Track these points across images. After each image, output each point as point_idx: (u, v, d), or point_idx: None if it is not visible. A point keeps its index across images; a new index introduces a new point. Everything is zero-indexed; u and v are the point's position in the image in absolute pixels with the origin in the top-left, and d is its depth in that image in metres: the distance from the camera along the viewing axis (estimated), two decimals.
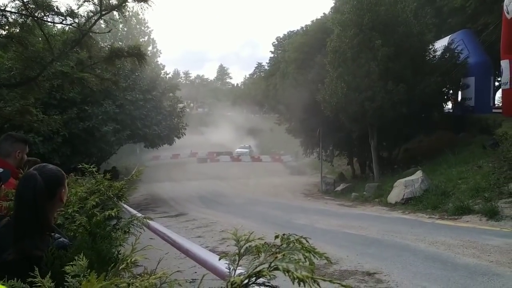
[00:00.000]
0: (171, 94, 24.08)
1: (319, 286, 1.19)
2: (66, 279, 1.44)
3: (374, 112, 14.89)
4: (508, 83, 15.80)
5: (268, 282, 1.25)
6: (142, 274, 1.51)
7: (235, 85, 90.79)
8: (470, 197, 10.05)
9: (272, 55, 67.45)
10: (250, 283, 1.24)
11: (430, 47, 16.35)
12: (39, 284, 1.40)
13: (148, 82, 20.45)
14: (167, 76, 36.57)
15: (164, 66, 48.77)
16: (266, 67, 74.83)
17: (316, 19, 26.26)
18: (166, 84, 24.04)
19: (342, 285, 1.26)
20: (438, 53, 16.67)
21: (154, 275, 1.46)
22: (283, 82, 23.63)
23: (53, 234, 1.72)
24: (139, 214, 3.35)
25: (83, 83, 8.26)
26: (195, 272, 4.83)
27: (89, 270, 1.47)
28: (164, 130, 20.59)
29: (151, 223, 3.82)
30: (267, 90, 52.16)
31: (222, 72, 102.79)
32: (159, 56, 51.76)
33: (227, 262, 1.40)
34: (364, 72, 15.08)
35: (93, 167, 3.70)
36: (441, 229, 8.32)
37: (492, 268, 5.38)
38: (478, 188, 10.26)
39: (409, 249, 6.75)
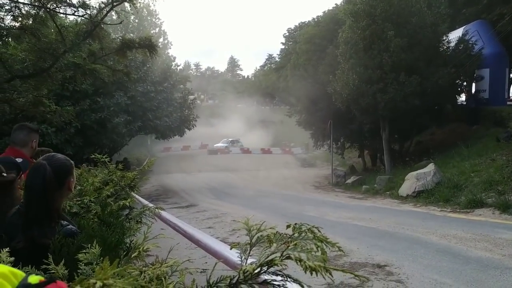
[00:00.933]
0: (182, 85, 24.15)
1: (331, 276, 1.18)
2: (79, 266, 1.46)
3: (386, 104, 14.73)
4: None
5: (280, 271, 1.25)
6: (154, 263, 1.52)
7: (246, 77, 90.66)
8: (483, 190, 9.93)
9: (283, 47, 67.08)
10: (262, 271, 1.24)
11: (444, 38, 16.07)
12: (53, 271, 1.42)
13: (159, 74, 20.53)
14: (178, 68, 36.68)
15: (175, 58, 48.98)
16: (277, 59, 74.49)
17: (328, 10, 25.96)
18: (177, 76, 24.10)
19: (355, 275, 1.26)
20: (452, 44, 16.36)
21: (165, 263, 1.47)
22: (294, 74, 23.45)
23: (62, 221, 1.75)
24: (150, 205, 3.38)
25: (95, 74, 8.32)
26: (206, 262, 4.87)
27: (101, 258, 1.49)
28: (175, 122, 20.70)
29: (162, 213, 3.86)
30: (278, 82, 51.92)
31: (233, 63, 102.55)
32: (170, 48, 51.88)
33: (238, 251, 1.40)
34: (376, 64, 14.90)
35: (106, 158, 3.75)
36: (453, 222, 8.25)
37: (504, 262, 5.33)
38: (491, 181, 10.13)
39: (420, 242, 6.71)
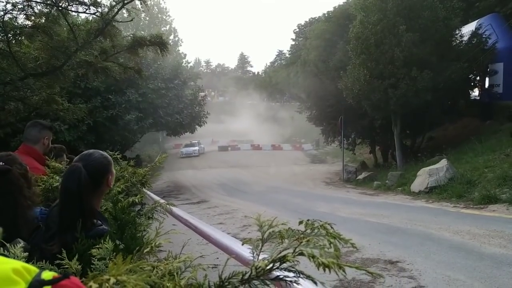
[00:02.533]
0: (192, 82, 24.22)
1: (345, 273, 1.17)
2: (92, 261, 1.48)
3: (398, 99, 14.58)
4: None
5: (293, 267, 1.25)
6: (166, 258, 1.53)
7: (256, 73, 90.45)
8: (497, 186, 9.78)
9: (293, 43, 66.84)
10: (274, 267, 1.24)
11: (457, 32, 15.82)
12: (66, 266, 1.43)
13: (170, 71, 20.61)
14: (189, 65, 36.78)
15: (185, 55, 49.03)
16: (287, 55, 74.26)
17: (339, 5, 25.71)
18: (188, 73, 24.15)
19: (369, 272, 1.25)
20: (465, 38, 16.11)
21: (178, 259, 1.47)
22: (304, 70, 23.33)
23: (95, 221, 1.71)
24: (162, 201, 3.40)
25: (106, 72, 8.36)
26: (217, 258, 4.89)
27: (114, 253, 1.50)
28: (186, 119, 20.78)
29: (174, 209, 3.87)
30: (288, 78, 51.73)
31: (243, 60, 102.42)
32: (181, 45, 52.18)
33: (250, 247, 1.40)
34: (388, 59, 14.75)
35: (117, 154, 3.78)
36: (466, 218, 8.15)
37: None
38: (505, 176, 9.97)
39: (432, 238, 6.64)
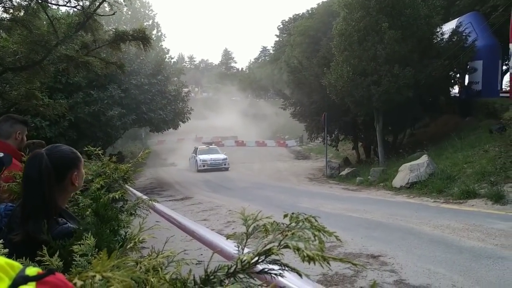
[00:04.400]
0: (176, 78, 23.99)
1: (329, 265, 1.19)
2: (74, 258, 1.45)
3: (380, 96, 14.76)
4: None
5: (278, 260, 1.25)
6: (150, 253, 1.52)
7: (240, 69, 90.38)
8: (475, 181, 10.02)
9: (277, 39, 66.98)
10: (259, 261, 1.24)
11: (438, 30, 16.09)
12: (47, 263, 1.41)
13: (153, 67, 20.36)
14: (172, 60, 36.37)
15: (168, 50, 48.48)
16: (271, 51, 74.38)
17: (322, 2, 25.89)
18: (171, 69, 23.92)
19: (353, 264, 1.26)
20: (446, 36, 16.40)
21: (161, 254, 1.46)
22: (288, 66, 23.39)
23: (59, 219, 1.65)
24: (144, 197, 3.37)
25: (88, 67, 8.23)
26: (201, 254, 4.88)
27: (96, 249, 1.48)
28: (169, 115, 20.58)
29: (157, 205, 3.85)
30: (272, 74, 51.85)
31: (227, 56, 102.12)
32: (164, 40, 51.42)
33: (234, 242, 1.40)
34: (370, 56, 14.91)
35: (99, 150, 3.73)
36: (446, 213, 8.33)
37: (497, 252, 5.40)
38: (484, 172, 10.22)
39: (414, 232, 6.77)
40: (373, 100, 15.09)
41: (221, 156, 25.10)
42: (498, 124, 13.03)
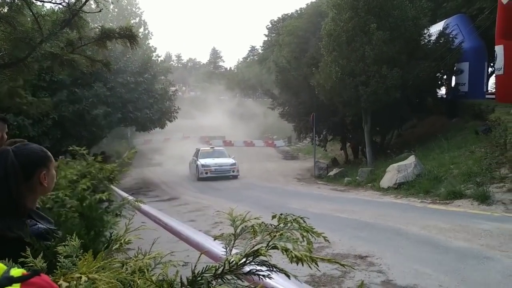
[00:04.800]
0: (163, 77, 23.81)
1: (317, 265, 1.16)
2: (58, 259, 1.41)
3: (368, 96, 14.87)
4: (502, 69, 15.86)
5: (266, 261, 1.22)
6: (136, 255, 1.48)
7: (228, 68, 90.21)
8: (462, 182, 10.13)
9: (266, 39, 67.07)
10: (247, 262, 1.21)
11: (425, 31, 16.28)
12: (31, 264, 1.36)
13: (140, 65, 20.18)
14: (159, 59, 36.01)
15: (155, 48, 47.94)
16: (260, 51, 74.41)
17: (311, 2, 25.99)
18: (158, 67, 23.73)
19: (341, 264, 1.24)
20: (433, 37, 16.61)
21: (148, 255, 1.43)
22: (277, 66, 23.40)
23: (28, 220, 1.58)
24: (130, 198, 3.31)
25: (73, 64, 8.09)
26: (188, 256, 4.82)
27: (82, 250, 1.44)
28: (156, 114, 20.41)
29: (143, 206, 3.79)
30: (261, 74, 51.84)
31: (215, 55, 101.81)
32: (151, 38, 50.89)
33: (222, 243, 1.37)
34: (359, 56, 15.00)
35: (84, 149, 3.65)
36: (433, 213, 8.41)
37: (482, 252, 5.46)
38: (470, 173, 10.34)
39: (401, 233, 6.81)
40: (361, 100, 15.19)
41: (228, 160, 20.39)
42: (484, 126, 13.21)
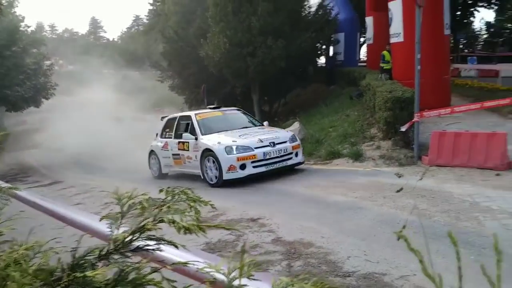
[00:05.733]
0: (34, 50, 21.28)
1: (205, 233, 1.22)
2: None
3: (256, 67, 15.25)
4: (372, 39, 17.58)
5: (153, 235, 1.25)
6: (11, 247, 1.38)
7: (111, 40, 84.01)
8: (339, 143, 11.15)
9: (151, 8, 63.58)
10: (134, 239, 1.22)
11: (306, 3, 17.14)
12: None
13: (6, 36, 17.69)
14: (29, 29, 31.88)
15: (24, 17, 42.22)
16: (145, 20, 70.54)
17: None
18: (28, 39, 21.07)
19: (226, 228, 1.32)
20: (313, 9, 17.57)
21: (24, 246, 1.34)
22: (164, 37, 22.48)
23: None
24: (4, 184, 2.99)
25: None
26: (76, 240, 4.58)
27: None
28: (29, 91, 18.31)
29: (21, 193, 3.46)
30: (147, 45, 49.36)
31: (95, 25, 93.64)
32: (17, 6, 44.50)
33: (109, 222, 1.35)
34: (246, 27, 15.18)
35: None
36: (315, 173, 9.20)
37: (357, 203, 6.21)
38: (346, 134, 11.42)
39: (288, 193, 7.37)
40: (249, 71, 15.53)
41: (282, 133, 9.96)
42: (357, 91, 14.56)
